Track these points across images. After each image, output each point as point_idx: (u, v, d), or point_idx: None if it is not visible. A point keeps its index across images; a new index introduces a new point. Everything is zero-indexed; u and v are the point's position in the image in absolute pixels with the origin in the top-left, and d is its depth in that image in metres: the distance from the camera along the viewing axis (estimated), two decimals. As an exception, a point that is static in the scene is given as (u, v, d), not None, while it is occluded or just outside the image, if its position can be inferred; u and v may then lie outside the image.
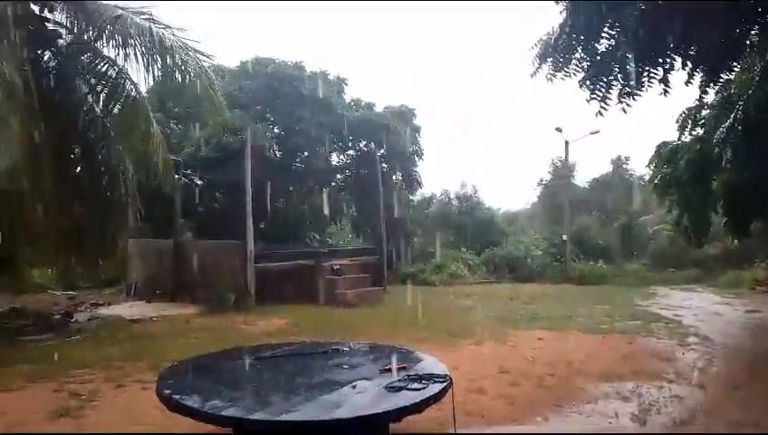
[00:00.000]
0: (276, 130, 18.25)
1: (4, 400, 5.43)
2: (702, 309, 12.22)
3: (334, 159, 19.75)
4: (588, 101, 7.10)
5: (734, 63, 7.34)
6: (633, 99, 6.85)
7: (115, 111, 10.11)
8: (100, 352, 7.41)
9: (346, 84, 19.30)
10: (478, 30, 50.90)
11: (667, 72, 6.70)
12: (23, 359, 7.00)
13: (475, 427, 4.55)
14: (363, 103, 19.53)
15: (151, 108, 10.79)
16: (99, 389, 5.75)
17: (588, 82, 7.09)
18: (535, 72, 7.30)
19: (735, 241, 16.68)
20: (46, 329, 9.39)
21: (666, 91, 6.73)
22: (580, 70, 7.16)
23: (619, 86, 6.96)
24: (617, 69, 7.02)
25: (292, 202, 17.91)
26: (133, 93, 9.92)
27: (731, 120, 8.36)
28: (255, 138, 14.48)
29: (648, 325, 9.88)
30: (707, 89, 7.37)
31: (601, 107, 6.99)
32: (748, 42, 7.18)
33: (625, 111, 6.88)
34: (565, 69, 7.12)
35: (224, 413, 3.17)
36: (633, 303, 13.30)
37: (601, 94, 7.02)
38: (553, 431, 3.16)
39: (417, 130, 20.12)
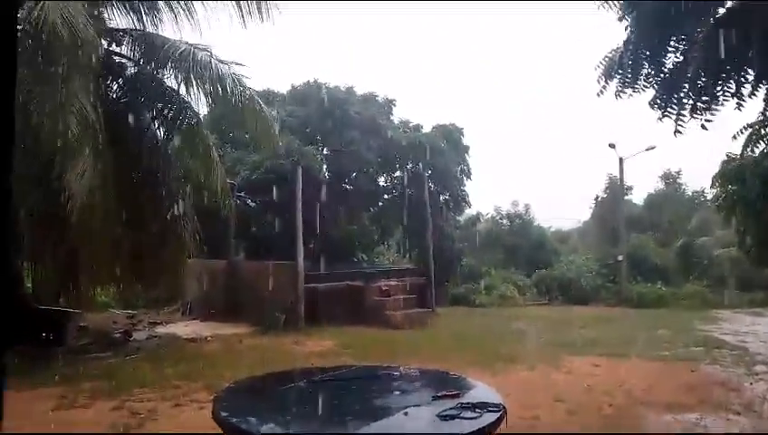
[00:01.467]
0: (326, 152, 18.60)
1: (68, 416, 5.68)
2: (771, 335, 11.52)
3: (382, 180, 19.90)
4: (660, 119, 6.90)
5: None
6: (711, 114, 6.61)
7: (176, 137, 10.59)
8: (157, 371, 7.65)
9: (394, 105, 19.51)
10: (530, 45, 50.58)
11: (740, 85, 6.44)
12: (85, 376, 7.31)
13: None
14: (411, 125, 19.66)
15: (209, 134, 11.27)
16: (157, 408, 5.94)
17: (659, 100, 6.92)
18: (602, 91, 7.20)
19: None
20: (107, 347, 9.78)
21: (740, 105, 6.48)
22: (649, 86, 7.01)
23: (692, 102, 6.74)
24: (687, 85, 6.81)
25: (340, 223, 18.11)
26: (193, 120, 10.38)
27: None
28: (306, 160, 14.81)
29: (712, 352, 9.40)
30: (755, 94, 7.02)
31: (678, 124, 6.77)
32: None
33: (705, 128, 6.64)
34: (633, 86, 7.00)
35: (277, 436, 3.20)
36: (694, 327, 12.67)
37: (675, 112, 6.82)
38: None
39: (465, 149, 20.05)
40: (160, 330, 12.27)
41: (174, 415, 5.77)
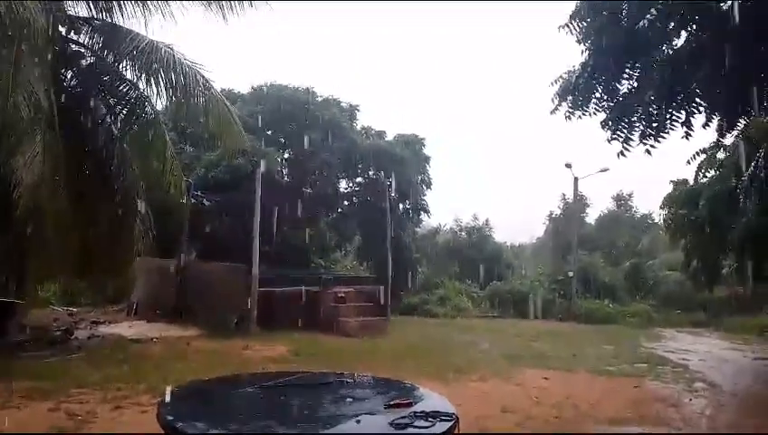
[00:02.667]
0: (287, 155, 18.40)
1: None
2: (710, 354, 12.02)
3: (343, 185, 19.82)
4: (609, 141, 7.14)
5: (751, 110, 7.36)
6: (657, 141, 6.88)
7: (132, 131, 10.25)
8: (98, 372, 7.33)
9: (358, 111, 19.51)
10: (496, 62, 51.57)
11: (690, 114, 6.73)
12: (21, 375, 6.92)
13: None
14: (374, 131, 19.69)
15: (167, 129, 10.95)
16: (96, 410, 5.67)
17: (610, 123, 7.13)
18: (555, 110, 7.37)
19: (743, 286, 16.54)
20: (46, 345, 9.33)
21: (688, 135, 6.77)
22: (600, 110, 7.22)
23: (642, 128, 6.99)
24: (639, 110, 7.06)
25: (299, 227, 17.90)
26: (151, 115, 10.07)
27: (752, 167, 8.35)
28: (266, 161, 14.59)
29: (655, 369, 9.72)
30: (725, 133, 7.38)
31: (624, 147, 7.02)
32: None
33: (649, 153, 6.91)
34: (584, 108, 7.19)
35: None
36: (639, 344, 13.10)
37: (623, 135, 7.06)
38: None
39: (426, 159, 20.21)
40: (103, 329, 11.80)
41: (114, 418, 5.52)
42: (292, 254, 17.25)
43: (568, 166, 22.94)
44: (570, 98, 7.18)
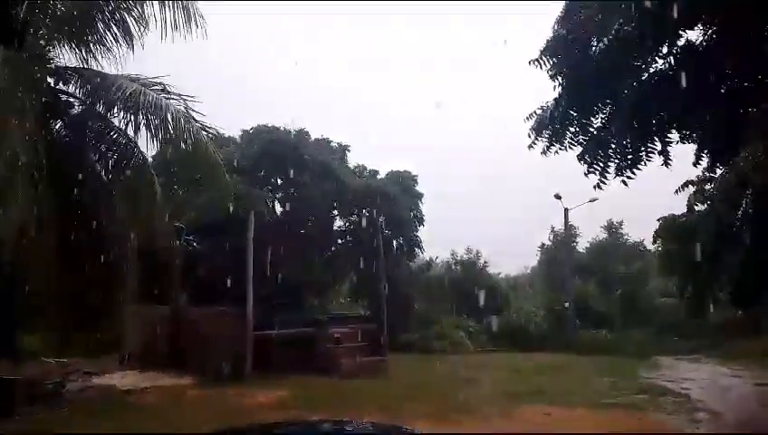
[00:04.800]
0: (278, 196, 18.45)
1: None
2: (710, 382, 11.95)
3: (336, 224, 19.86)
4: (586, 174, 7.22)
5: (737, 143, 7.48)
6: (633, 172, 6.97)
7: (121, 178, 10.25)
8: (92, 427, 7.15)
9: (349, 151, 19.69)
10: (484, 96, 52.36)
11: (666, 144, 6.85)
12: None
13: None
14: (367, 170, 19.88)
15: (156, 174, 10.97)
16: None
17: (586, 156, 7.23)
18: (532, 144, 7.49)
19: (739, 311, 16.57)
20: (38, 400, 9.09)
21: (666, 163, 6.86)
22: (576, 144, 7.33)
23: (617, 160, 7.09)
24: (614, 143, 7.18)
25: (292, 267, 17.83)
26: (140, 161, 10.11)
27: (744, 204, 8.46)
28: (258, 204, 14.63)
29: (656, 399, 9.64)
30: (715, 168, 7.49)
31: (600, 181, 7.10)
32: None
33: (626, 184, 7.00)
34: (560, 142, 7.30)
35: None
36: (638, 375, 13.02)
37: (600, 168, 7.15)
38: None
39: (419, 196, 20.35)
40: (96, 380, 11.55)
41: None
42: (287, 295, 17.11)
43: (558, 197, 23.17)
44: (546, 133, 7.30)
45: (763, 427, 8.11)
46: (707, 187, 10.90)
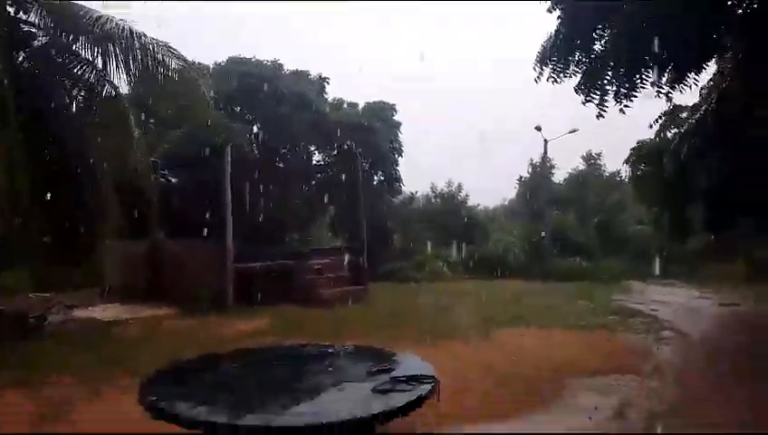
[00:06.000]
0: (255, 130, 18.08)
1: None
2: (679, 304, 12.47)
3: (315, 157, 19.65)
4: (584, 103, 7.26)
5: (708, 64, 7.53)
6: (630, 100, 7.03)
7: (92, 111, 9.91)
8: (75, 357, 7.24)
9: (327, 83, 19.21)
10: (466, 28, 51.05)
11: (660, 74, 6.87)
12: (-4, 364, 6.80)
13: (464, 428, 4.56)
14: (346, 103, 19.48)
15: (130, 107, 10.61)
16: (75, 394, 5.61)
17: (583, 86, 7.27)
18: (539, 77, 7.52)
19: (713, 236, 17.05)
20: (21, 333, 9.13)
21: (659, 93, 6.93)
22: (579, 71, 7.36)
23: (615, 88, 7.14)
24: (610, 72, 7.20)
25: (271, 201, 17.74)
26: (112, 93, 9.73)
27: (706, 115, 8.56)
28: (234, 137, 14.32)
29: (626, 321, 10.06)
30: (683, 86, 7.54)
31: (600, 109, 7.16)
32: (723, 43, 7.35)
33: (623, 112, 7.06)
34: (565, 72, 7.33)
35: (210, 419, 3.09)
36: (611, 299, 13.52)
37: (598, 97, 7.19)
38: (543, 432, 3.17)
39: (397, 126, 20.11)
40: (78, 313, 11.58)
41: (94, 401, 5.48)
42: (267, 229, 17.13)
43: (538, 129, 23.12)
44: (551, 64, 7.33)
45: (721, 342, 8.56)
46: (683, 114, 10.94)
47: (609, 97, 7.13)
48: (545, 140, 23.64)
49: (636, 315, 10.69)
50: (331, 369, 4.20)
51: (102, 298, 13.55)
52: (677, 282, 17.80)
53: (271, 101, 17.05)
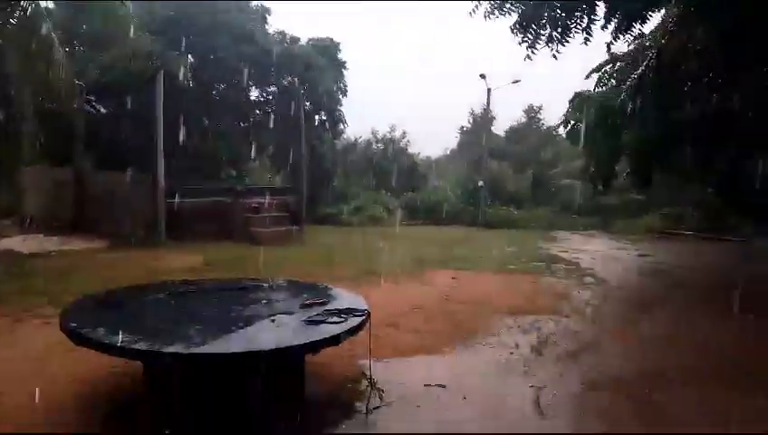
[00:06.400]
0: (191, 59, 17.09)
1: None
2: (600, 253, 13.27)
3: (254, 93, 18.92)
4: (519, 44, 7.24)
5: (650, 14, 7.63)
6: (562, 44, 7.06)
7: (9, 29, 9.03)
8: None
9: (269, 15, 18.30)
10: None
11: (591, 21, 6.92)
12: None
13: (393, 361, 4.73)
14: (288, 37, 18.69)
15: (54, 28, 9.74)
16: (-7, 324, 5.39)
17: (519, 26, 7.21)
18: (474, 10, 7.31)
19: (635, 191, 18.10)
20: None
21: (587, 41, 6.98)
22: (516, 10, 7.26)
23: (549, 31, 7.13)
24: (545, 15, 7.17)
25: (207, 136, 17.07)
26: (29, 11, 8.88)
27: (642, 68, 8.81)
28: (167, 65, 13.51)
29: (551, 266, 10.61)
30: (619, 36, 7.66)
31: (531, 50, 7.16)
32: None
33: (555, 57, 7.10)
34: (502, 9, 7.20)
35: (134, 347, 3.06)
36: (539, 246, 14.19)
37: (531, 39, 7.18)
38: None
39: (342, 65, 19.59)
40: (-6, 244, 10.96)
41: (14, 331, 5.28)
42: (203, 165, 16.59)
43: (482, 76, 23.20)
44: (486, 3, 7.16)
45: (635, 288, 9.23)
46: (617, 65, 11.22)
47: (543, 40, 7.14)
48: (488, 89, 23.82)
49: (560, 262, 11.29)
50: (264, 302, 4.23)
51: (21, 229, 12.82)
52: (597, 233, 18.89)
53: (208, 31, 16.10)
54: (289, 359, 3.44)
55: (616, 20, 7.37)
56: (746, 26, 6.72)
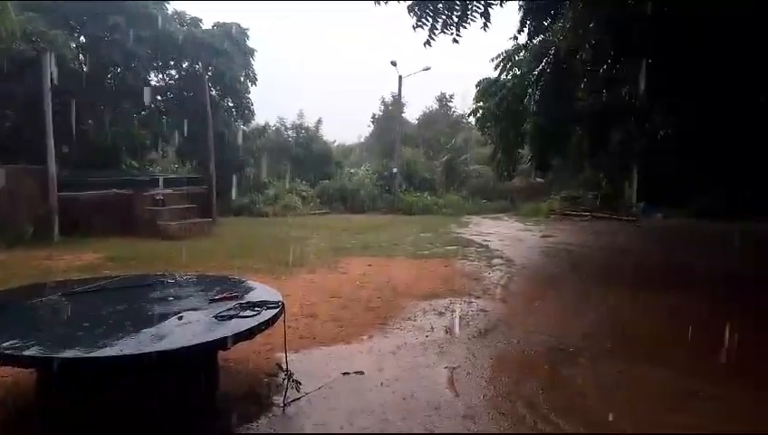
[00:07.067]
0: (83, 40, 15.82)
1: None
2: (507, 235, 13.90)
3: (154, 78, 17.82)
4: (414, 28, 7.20)
5: (556, 12, 7.92)
6: (459, 30, 7.12)
7: None
8: None
9: (169, -6, 17.23)
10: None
11: (488, 5, 7.03)
12: None
13: (311, 350, 4.68)
14: (188, 18, 17.74)
15: None
16: None
17: (416, 9, 7.15)
18: None
19: (537, 177, 19.17)
20: None
21: (486, 26, 7.10)
22: None
23: (445, 16, 7.13)
24: None
25: (104, 124, 15.89)
26: None
27: (543, 64, 9.25)
28: (56, 46, 12.41)
29: (463, 250, 10.98)
30: (523, 30, 7.93)
31: (429, 37, 7.16)
32: None
33: (456, 41, 7.15)
34: None
35: (27, 353, 2.80)
36: (451, 230, 14.64)
37: (429, 24, 7.17)
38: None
39: (250, 52, 18.94)
40: None
41: None
42: (100, 155, 15.42)
43: (393, 64, 23.43)
44: None
45: (541, 267, 9.77)
46: (521, 54, 11.72)
47: (440, 25, 7.10)
48: (400, 77, 24.08)
49: (471, 245, 11.71)
50: (171, 298, 4.02)
51: None
52: (504, 216, 19.83)
53: (102, 7, 14.92)
54: (198, 357, 3.29)
55: (529, 21, 7.58)
56: (632, 19, 7.21)
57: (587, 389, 4.03)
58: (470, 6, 7.01)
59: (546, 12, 7.63)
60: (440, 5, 7.05)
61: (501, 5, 7.39)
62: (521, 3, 7.69)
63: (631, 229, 15.50)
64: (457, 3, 7.01)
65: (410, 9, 7.10)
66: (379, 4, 7.14)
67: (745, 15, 6.26)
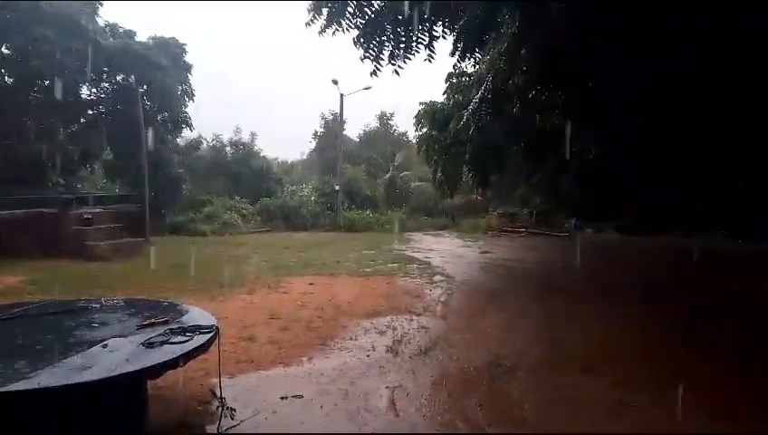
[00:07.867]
0: (6, 51, 14.98)
1: None
2: (448, 251, 14.13)
3: (86, 91, 17.05)
4: (362, 59, 7.34)
5: (488, 38, 8.20)
6: (404, 61, 7.30)
7: None
8: None
9: (101, 5, 16.62)
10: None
11: (432, 38, 7.26)
12: None
13: (249, 374, 4.53)
14: (122, 31, 17.15)
15: None
16: None
17: (362, 41, 7.29)
18: (310, 22, 7.25)
19: (477, 194, 19.71)
20: None
21: (431, 57, 7.31)
22: (353, 27, 7.32)
23: (391, 48, 7.32)
24: (389, 30, 7.35)
25: (28, 139, 15.01)
26: None
27: (481, 92, 9.54)
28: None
29: (405, 267, 11.04)
30: (466, 57, 8.16)
31: (375, 67, 7.31)
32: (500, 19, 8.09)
33: (398, 74, 7.31)
34: (338, 22, 7.20)
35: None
36: (393, 247, 14.71)
37: (374, 54, 7.32)
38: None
39: (188, 68, 18.50)
40: None
41: None
42: (22, 172, 14.54)
43: (335, 82, 23.48)
44: (324, 10, 7.12)
45: (480, 283, 9.95)
46: (463, 79, 12.09)
47: (386, 56, 7.31)
48: (341, 95, 24.17)
49: (413, 262, 11.80)
50: (96, 325, 3.80)
51: None
52: (445, 233, 20.18)
53: (28, 20, 14.18)
54: (124, 388, 3.11)
55: (461, 44, 7.83)
56: (560, 50, 7.56)
57: (524, 401, 4.11)
58: (414, 39, 7.19)
59: (477, 38, 7.89)
60: (384, 38, 7.21)
61: (444, 38, 7.62)
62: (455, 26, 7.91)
63: (563, 244, 16.12)
64: (402, 36, 7.17)
65: (356, 41, 7.22)
66: (323, 35, 7.19)
67: (668, 45, 6.69)
